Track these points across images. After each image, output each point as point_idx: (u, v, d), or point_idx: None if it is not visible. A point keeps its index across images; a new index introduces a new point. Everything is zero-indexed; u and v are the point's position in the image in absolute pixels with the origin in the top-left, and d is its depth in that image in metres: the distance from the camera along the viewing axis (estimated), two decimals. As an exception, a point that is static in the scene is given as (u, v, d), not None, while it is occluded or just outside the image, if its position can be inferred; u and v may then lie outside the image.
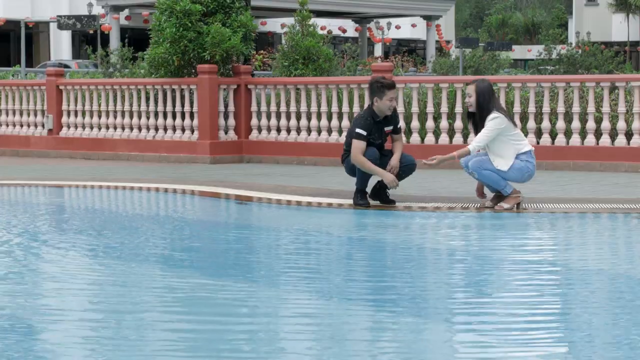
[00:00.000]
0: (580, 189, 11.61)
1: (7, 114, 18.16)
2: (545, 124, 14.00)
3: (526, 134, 14.12)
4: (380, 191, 10.20)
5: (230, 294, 6.33)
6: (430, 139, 14.55)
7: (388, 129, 10.16)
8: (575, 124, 13.87)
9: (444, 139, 14.47)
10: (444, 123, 14.52)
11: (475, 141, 9.83)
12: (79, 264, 7.54)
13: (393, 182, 9.93)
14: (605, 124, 13.71)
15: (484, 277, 6.93)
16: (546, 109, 13.99)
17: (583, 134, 13.95)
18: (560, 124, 13.94)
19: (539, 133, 14.14)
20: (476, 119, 9.95)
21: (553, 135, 14.12)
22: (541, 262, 7.45)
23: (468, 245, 8.37)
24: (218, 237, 9.01)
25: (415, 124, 14.66)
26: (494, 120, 9.78)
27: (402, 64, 40.14)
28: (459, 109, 14.36)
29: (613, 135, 13.90)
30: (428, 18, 51.28)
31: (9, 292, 6.40)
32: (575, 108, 13.85)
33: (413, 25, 59.06)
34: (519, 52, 71.67)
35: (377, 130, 10.04)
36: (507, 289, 6.51)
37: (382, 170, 9.94)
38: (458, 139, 14.39)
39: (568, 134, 14.03)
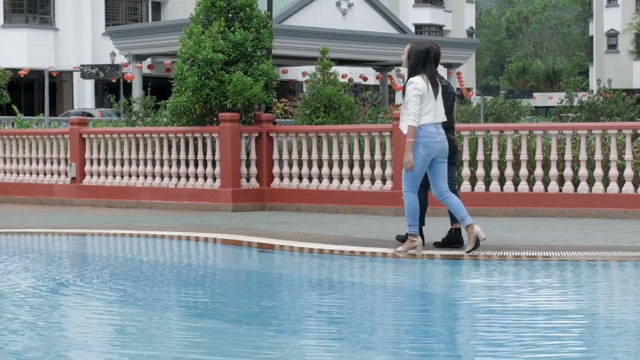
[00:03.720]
0: (604, 236, 11.54)
1: (30, 162, 18.27)
2: (568, 171, 13.97)
3: (548, 182, 14.12)
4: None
5: (252, 342, 6.30)
6: (452, 186, 14.51)
7: None
8: (598, 171, 13.83)
9: (465, 186, 14.45)
10: (465, 171, 14.51)
11: (409, 114, 9.66)
12: (100, 312, 7.54)
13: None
14: (628, 172, 13.67)
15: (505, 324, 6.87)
16: (568, 156, 13.96)
17: (605, 181, 13.91)
18: (583, 171, 13.91)
19: (561, 180, 14.11)
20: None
21: (575, 182, 14.08)
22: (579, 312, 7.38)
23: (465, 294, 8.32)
24: (239, 286, 9.00)
25: (437, 171, 14.64)
26: (410, 86, 9.64)
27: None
28: (480, 156, 14.35)
29: (636, 182, 13.86)
30: (449, 66, 51.44)
31: (30, 339, 6.40)
32: (598, 155, 13.82)
33: (434, 73, 59.13)
34: (540, 99, 71.70)
35: None
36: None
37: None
38: (480, 186, 14.36)
39: (591, 181, 13.99)
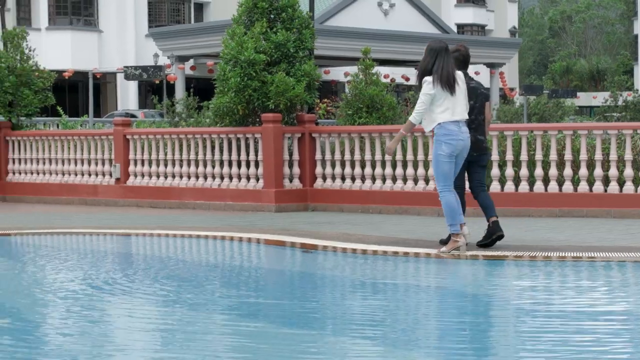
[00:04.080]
0: (650, 237, 11.43)
1: (75, 163, 18.42)
2: (613, 171, 13.84)
3: (593, 182, 14.00)
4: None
5: (296, 343, 6.31)
6: (495, 186, 14.45)
7: None
8: (643, 171, 13.70)
9: (509, 186, 14.38)
10: (509, 171, 14.42)
11: (414, 111, 9.78)
12: (145, 312, 7.58)
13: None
14: (674, 171, 13.53)
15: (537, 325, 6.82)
16: (613, 156, 13.84)
17: (651, 181, 13.78)
18: (628, 171, 13.78)
19: (606, 181, 13.99)
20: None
21: (621, 182, 13.95)
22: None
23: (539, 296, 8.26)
24: (283, 286, 9.01)
25: (480, 171, 14.57)
26: (424, 85, 9.68)
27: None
28: (524, 156, 14.26)
29: (682, 182, 13.70)
30: (492, 66, 51.19)
31: (76, 341, 6.45)
32: (643, 155, 13.69)
33: (476, 73, 58.52)
34: (584, 99, 71.11)
35: None
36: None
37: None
38: (524, 186, 14.28)
39: (636, 181, 13.86)
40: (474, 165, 10.52)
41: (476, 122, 10.33)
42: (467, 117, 9.93)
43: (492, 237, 10.34)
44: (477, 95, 10.41)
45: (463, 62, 10.32)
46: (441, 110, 9.78)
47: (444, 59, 9.83)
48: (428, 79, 9.78)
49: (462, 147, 9.86)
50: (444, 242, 10.45)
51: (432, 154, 10.24)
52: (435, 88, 9.71)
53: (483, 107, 10.50)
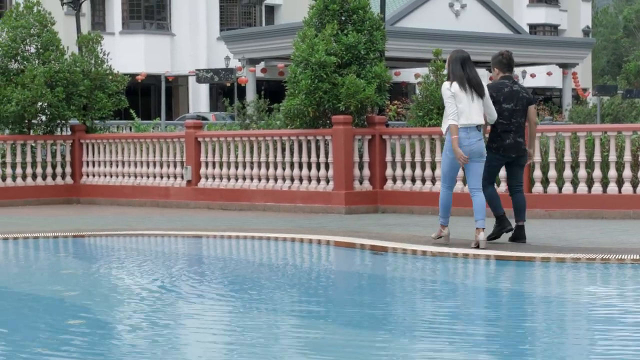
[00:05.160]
0: None
1: (147, 166, 18.62)
2: (689, 172, 13.61)
3: (668, 183, 13.78)
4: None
5: (365, 344, 6.30)
6: (567, 188, 14.29)
7: None
8: None
9: (582, 188, 14.21)
10: (582, 172, 14.26)
11: (447, 115, 10.35)
12: (215, 313, 7.64)
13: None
14: None
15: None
16: (689, 157, 13.60)
17: None
18: None
19: (682, 182, 13.75)
20: None
21: (697, 184, 13.70)
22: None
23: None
24: (353, 288, 9.00)
25: (552, 173, 14.44)
26: (443, 91, 10.35)
27: (538, 113, 39.61)
28: (597, 157, 14.08)
29: None
30: (564, 66, 50.63)
31: (149, 341, 6.51)
32: None
33: (549, 74, 58.40)
34: (659, 99, 69.90)
35: None
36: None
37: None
38: (597, 187, 14.10)
39: None
40: (513, 166, 10.95)
41: (516, 124, 10.70)
42: (481, 122, 10.37)
43: (515, 241, 10.81)
44: (519, 99, 10.74)
45: (507, 65, 10.88)
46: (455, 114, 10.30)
47: (469, 66, 10.42)
48: (445, 84, 10.41)
49: (467, 152, 10.31)
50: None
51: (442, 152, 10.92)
52: (455, 88, 10.28)
53: (525, 110, 10.79)
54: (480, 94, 10.34)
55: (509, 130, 10.63)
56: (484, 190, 10.65)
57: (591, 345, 6.30)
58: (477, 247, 10.40)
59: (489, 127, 10.76)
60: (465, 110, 10.25)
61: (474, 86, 10.31)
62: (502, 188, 13.59)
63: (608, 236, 11.57)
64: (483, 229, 10.41)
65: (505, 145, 10.68)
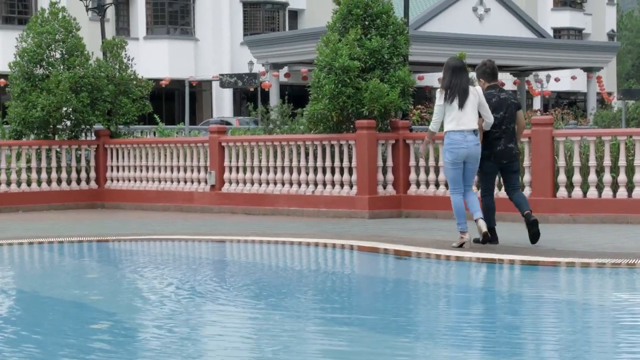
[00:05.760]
0: None
1: (171, 171, 18.67)
2: None
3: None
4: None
5: (390, 350, 6.29)
6: (592, 192, 14.22)
7: None
8: None
9: (607, 192, 14.14)
10: (606, 177, 14.19)
11: (432, 121, 11.05)
12: (240, 319, 7.64)
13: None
14: None
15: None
16: None
17: None
18: None
19: None
20: None
21: None
22: None
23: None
24: (377, 292, 8.99)
25: (577, 177, 14.37)
26: (436, 98, 10.93)
27: (563, 117, 39.50)
28: (622, 162, 14.01)
29: None
30: (589, 70, 50.40)
31: (172, 346, 6.53)
32: None
33: (573, 78, 58.13)
34: (685, 102, 69.49)
35: None
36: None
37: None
38: (622, 192, 14.02)
39: None
40: (506, 172, 11.37)
41: (507, 131, 11.15)
42: (473, 127, 10.81)
43: (531, 228, 11.02)
44: (508, 106, 11.18)
45: (492, 75, 11.32)
46: (449, 121, 10.81)
47: (457, 75, 10.84)
48: (438, 92, 10.94)
49: (465, 154, 10.81)
50: (480, 241, 11.17)
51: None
52: (445, 100, 10.80)
53: (513, 116, 11.22)
54: (462, 102, 10.75)
55: (500, 137, 11.10)
56: (483, 199, 11.29)
57: (617, 353, 6.26)
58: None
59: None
60: (456, 118, 10.77)
61: (459, 93, 10.79)
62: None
63: (633, 241, 11.51)
64: (482, 218, 10.91)
65: (497, 152, 11.12)
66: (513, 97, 11.34)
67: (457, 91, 10.78)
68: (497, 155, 11.10)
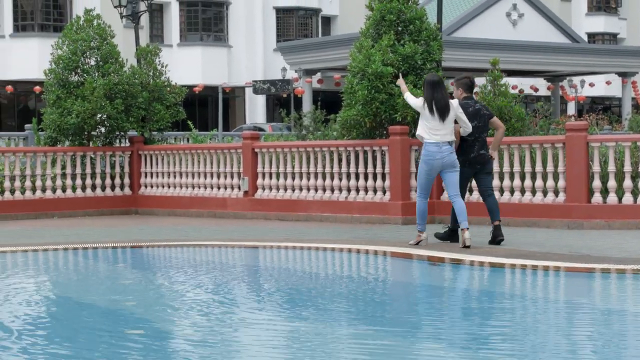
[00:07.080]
0: None
1: (205, 177, 18.73)
2: None
3: None
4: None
5: (423, 356, 6.28)
6: (628, 198, 14.13)
7: None
8: None
9: (627, 198, 14.03)
10: (627, 183, 14.08)
11: (408, 95, 11.97)
12: (274, 324, 7.65)
13: None
14: None
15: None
16: None
17: None
18: None
19: None
20: None
21: None
22: None
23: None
24: (410, 298, 8.97)
25: (612, 183, 14.28)
26: (419, 100, 11.70)
27: (597, 122, 39.23)
28: (658, 167, 13.91)
29: None
30: (623, 75, 50.06)
31: (206, 352, 6.55)
32: None
33: (607, 83, 57.78)
34: None
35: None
36: None
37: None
38: (658, 198, 13.92)
39: None
40: (480, 174, 12.30)
41: (479, 139, 12.10)
42: (450, 139, 11.63)
43: (495, 240, 11.98)
44: (481, 116, 12.14)
45: (470, 88, 12.27)
46: (427, 129, 11.60)
47: (437, 89, 11.63)
48: (421, 100, 11.70)
49: (439, 165, 11.65)
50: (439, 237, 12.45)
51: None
52: (426, 110, 11.56)
53: (486, 126, 12.20)
54: (444, 116, 11.51)
55: (474, 145, 12.08)
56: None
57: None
58: (464, 246, 11.48)
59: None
60: (434, 129, 11.56)
61: (439, 109, 11.53)
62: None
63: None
64: (467, 228, 11.54)
65: (471, 158, 12.10)
66: (486, 109, 12.32)
67: (440, 106, 11.56)
68: (472, 161, 12.11)
